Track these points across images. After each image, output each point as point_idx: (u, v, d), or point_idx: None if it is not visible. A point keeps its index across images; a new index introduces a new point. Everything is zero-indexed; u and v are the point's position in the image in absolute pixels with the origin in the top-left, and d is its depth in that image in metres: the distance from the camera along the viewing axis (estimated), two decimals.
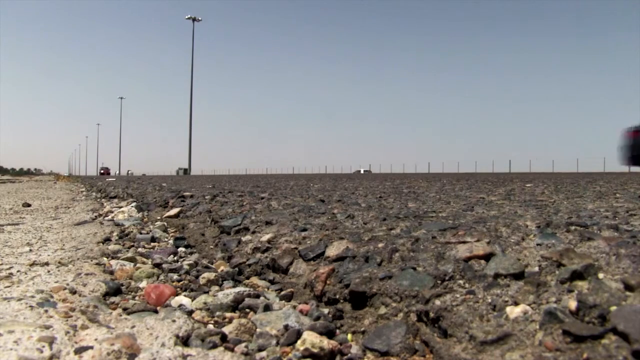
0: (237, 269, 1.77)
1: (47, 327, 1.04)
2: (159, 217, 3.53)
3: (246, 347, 1.04)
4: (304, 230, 1.92)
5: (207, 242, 2.36)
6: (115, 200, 6.07)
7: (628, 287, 0.92)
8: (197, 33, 58.79)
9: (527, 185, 5.37)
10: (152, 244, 2.41)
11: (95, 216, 4.01)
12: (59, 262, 1.83)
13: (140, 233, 2.71)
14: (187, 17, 48.03)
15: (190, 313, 1.26)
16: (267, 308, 1.27)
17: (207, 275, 1.62)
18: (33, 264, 1.78)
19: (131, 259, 1.93)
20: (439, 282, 1.16)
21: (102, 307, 1.27)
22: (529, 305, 0.96)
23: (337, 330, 1.15)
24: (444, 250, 1.33)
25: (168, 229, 2.98)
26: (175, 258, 2.04)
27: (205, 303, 1.32)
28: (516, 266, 1.12)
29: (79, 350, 0.94)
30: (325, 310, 1.26)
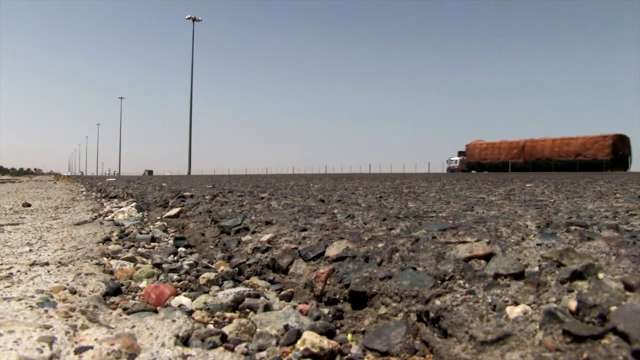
0: (237, 269, 1.77)
1: (47, 327, 1.04)
2: (159, 217, 3.53)
3: (246, 347, 1.04)
4: (304, 230, 1.92)
5: (207, 242, 2.36)
6: (115, 200, 6.07)
7: (628, 287, 0.92)
8: (197, 33, 58.85)
9: (527, 185, 5.37)
10: (152, 244, 2.41)
11: (95, 216, 4.01)
12: (59, 262, 1.83)
13: (140, 233, 2.71)
14: (187, 17, 48.01)
15: (190, 313, 1.26)
16: (267, 308, 1.27)
17: (207, 275, 1.62)
18: (33, 264, 1.78)
19: (131, 259, 1.93)
20: (439, 282, 1.16)
21: (102, 307, 1.27)
22: (529, 305, 0.96)
23: (337, 330, 1.15)
24: (444, 250, 1.33)
25: (168, 229, 2.98)
26: (175, 258, 2.04)
27: (205, 303, 1.32)
28: (516, 266, 1.12)
29: (79, 350, 0.94)
30: (325, 310, 1.26)
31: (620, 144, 35.24)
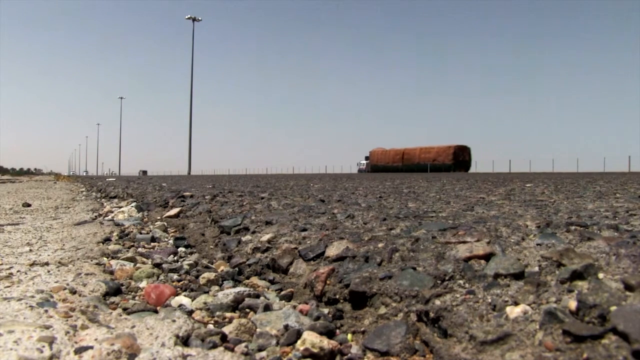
0: (237, 269, 1.77)
1: (47, 327, 1.04)
2: (159, 217, 3.53)
3: (246, 347, 1.04)
4: (304, 230, 1.92)
5: (207, 242, 2.36)
6: (115, 200, 6.08)
7: (628, 287, 0.92)
8: (197, 33, 58.97)
9: (527, 185, 5.37)
10: (152, 244, 2.41)
11: (95, 216, 4.01)
12: (59, 262, 1.83)
13: (140, 233, 2.71)
14: (187, 17, 48.03)
15: (190, 313, 1.26)
16: (267, 308, 1.27)
17: (207, 275, 1.62)
18: (33, 264, 1.78)
19: (131, 259, 1.93)
20: (439, 282, 1.16)
21: (102, 307, 1.27)
22: (529, 305, 0.96)
23: (337, 330, 1.15)
24: (444, 250, 1.33)
25: (168, 229, 2.98)
26: (175, 258, 2.04)
27: (205, 303, 1.32)
28: (516, 266, 1.12)
29: (79, 350, 0.94)
30: (325, 310, 1.26)
31: (461, 152, 46.04)
